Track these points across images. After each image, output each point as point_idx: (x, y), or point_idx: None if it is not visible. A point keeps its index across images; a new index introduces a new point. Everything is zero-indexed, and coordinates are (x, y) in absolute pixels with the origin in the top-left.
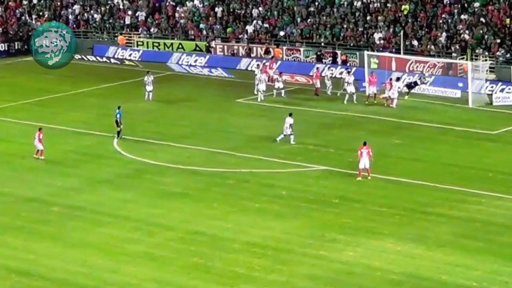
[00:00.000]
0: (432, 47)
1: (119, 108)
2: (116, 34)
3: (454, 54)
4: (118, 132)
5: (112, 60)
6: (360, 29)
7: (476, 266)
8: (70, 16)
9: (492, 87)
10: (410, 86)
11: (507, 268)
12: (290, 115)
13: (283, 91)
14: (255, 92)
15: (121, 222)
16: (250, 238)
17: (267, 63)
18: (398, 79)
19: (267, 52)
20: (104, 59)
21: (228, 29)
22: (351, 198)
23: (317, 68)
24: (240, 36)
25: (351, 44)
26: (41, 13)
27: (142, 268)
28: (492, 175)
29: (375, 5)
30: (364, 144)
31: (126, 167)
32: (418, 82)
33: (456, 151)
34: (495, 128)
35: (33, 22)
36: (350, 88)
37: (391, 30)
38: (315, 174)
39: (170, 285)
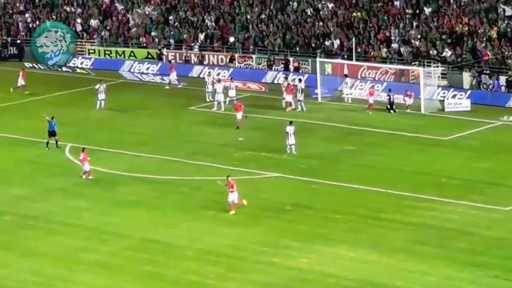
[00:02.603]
0: (383, 53)
1: (52, 118)
2: None
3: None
4: (57, 141)
5: (64, 68)
6: (312, 35)
7: (431, 271)
8: (20, 24)
9: (444, 93)
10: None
11: (461, 274)
12: (290, 123)
13: (235, 99)
14: (207, 100)
15: (75, 231)
16: (204, 245)
17: (291, 84)
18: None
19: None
20: (56, 67)
21: (185, 35)
22: (304, 205)
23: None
24: (192, 44)
25: (298, 51)
26: None
27: (96, 277)
28: (445, 181)
29: (326, 12)
30: (227, 177)
31: (80, 175)
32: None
33: (409, 157)
34: (447, 134)
35: None
36: (299, 96)
37: (343, 36)
38: (268, 181)
39: None
